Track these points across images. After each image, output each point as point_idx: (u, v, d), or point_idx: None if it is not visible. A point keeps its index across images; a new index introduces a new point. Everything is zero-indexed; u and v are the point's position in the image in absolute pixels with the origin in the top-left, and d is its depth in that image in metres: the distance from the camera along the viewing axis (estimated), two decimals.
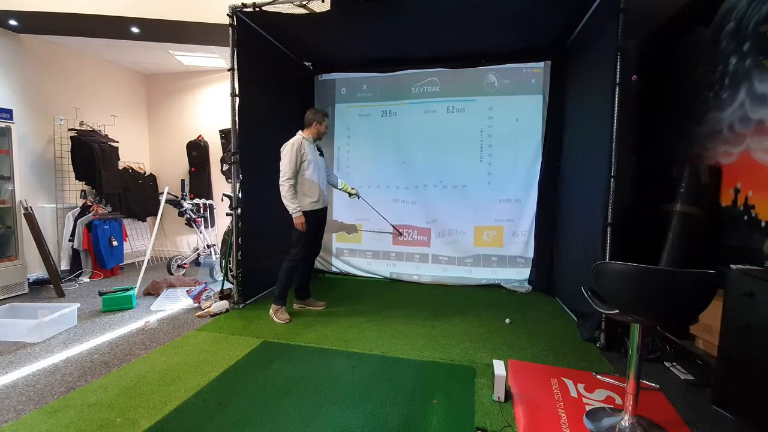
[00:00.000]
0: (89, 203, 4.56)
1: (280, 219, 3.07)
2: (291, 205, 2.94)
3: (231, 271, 3.56)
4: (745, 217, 2.24)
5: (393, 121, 4.44)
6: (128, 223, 5.11)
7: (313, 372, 2.22)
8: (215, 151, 5.39)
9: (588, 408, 1.88)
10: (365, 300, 3.65)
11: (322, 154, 3.23)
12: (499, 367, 1.96)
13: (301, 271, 3.22)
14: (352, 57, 4.32)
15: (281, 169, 2.96)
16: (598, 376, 2.14)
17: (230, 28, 3.23)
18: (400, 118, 4.42)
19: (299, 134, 3.07)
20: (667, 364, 2.36)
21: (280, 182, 2.95)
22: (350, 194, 3.56)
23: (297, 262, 3.10)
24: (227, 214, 3.93)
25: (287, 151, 2.96)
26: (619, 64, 2.51)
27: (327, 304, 3.40)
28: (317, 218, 3.13)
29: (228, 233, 3.96)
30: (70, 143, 4.48)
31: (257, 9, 3.16)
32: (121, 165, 5.00)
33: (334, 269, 4.66)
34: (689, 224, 2.53)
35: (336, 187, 3.54)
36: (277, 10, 3.19)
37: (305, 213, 2.98)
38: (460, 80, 4.22)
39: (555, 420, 1.79)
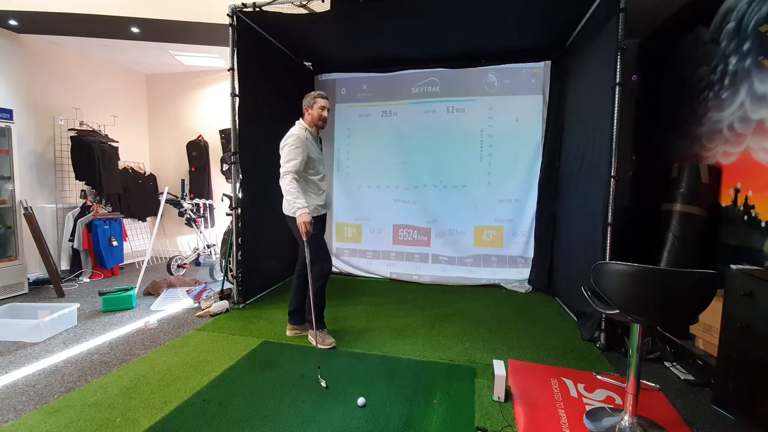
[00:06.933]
0: (89, 203, 4.56)
1: (280, 219, 2.94)
2: (296, 201, 2.34)
3: (231, 271, 3.56)
4: (745, 217, 2.24)
5: (393, 121, 4.44)
6: (128, 223, 5.11)
7: (313, 372, 2.22)
8: (215, 151, 5.39)
9: (588, 408, 1.88)
10: (365, 300, 3.65)
11: (321, 149, 2.73)
12: (499, 367, 1.96)
13: (295, 286, 2.72)
14: (352, 57, 4.32)
15: (282, 161, 2.44)
16: (598, 376, 2.14)
17: (230, 28, 3.23)
18: (400, 118, 4.42)
19: (299, 124, 2.56)
20: (667, 364, 2.36)
21: (280, 176, 2.43)
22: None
23: (325, 277, 2.60)
24: (227, 214, 3.92)
25: (292, 143, 2.43)
26: (619, 64, 2.51)
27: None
28: (321, 224, 2.65)
29: (228, 233, 3.96)
30: (70, 143, 4.48)
31: (257, 9, 3.16)
32: (121, 165, 5.00)
33: (334, 269, 4.66)
34: (689, 224, 2.53)
35: None
36: (277, 10, 3.18)
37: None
38: (460, 80, 4.22)
39: (555, 420, 1.79)
